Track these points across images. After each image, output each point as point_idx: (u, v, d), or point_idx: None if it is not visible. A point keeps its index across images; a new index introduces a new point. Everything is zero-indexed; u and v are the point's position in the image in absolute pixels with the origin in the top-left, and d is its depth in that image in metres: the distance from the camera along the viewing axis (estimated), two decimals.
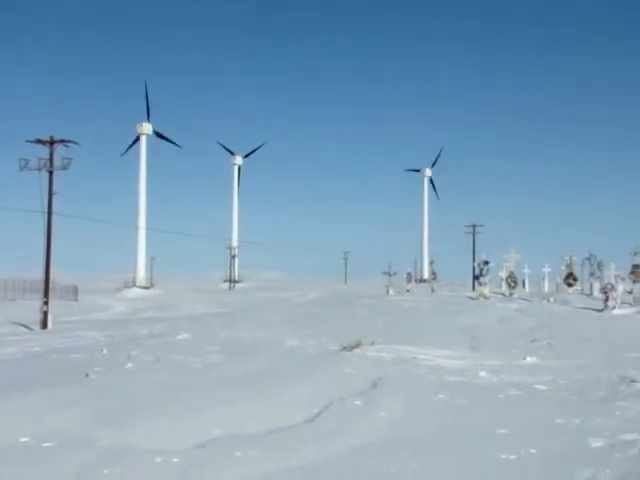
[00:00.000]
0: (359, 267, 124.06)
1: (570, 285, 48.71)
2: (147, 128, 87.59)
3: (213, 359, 14.02)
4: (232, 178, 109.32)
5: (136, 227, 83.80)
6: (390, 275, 50.70)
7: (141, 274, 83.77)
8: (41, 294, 30.58)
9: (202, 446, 7.80)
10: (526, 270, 53.82)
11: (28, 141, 31.65)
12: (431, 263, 64.80)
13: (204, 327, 22.19)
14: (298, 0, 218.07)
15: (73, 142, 31.81)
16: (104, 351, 14.63)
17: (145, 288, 77.40)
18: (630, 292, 35.96)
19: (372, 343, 16.28)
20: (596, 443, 8.08)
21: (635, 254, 35.75)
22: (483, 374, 13.24)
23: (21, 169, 31.40)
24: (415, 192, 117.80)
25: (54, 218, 31.13)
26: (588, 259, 48.18)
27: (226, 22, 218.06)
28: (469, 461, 7.43)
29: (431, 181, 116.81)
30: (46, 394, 9.79)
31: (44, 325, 28.83)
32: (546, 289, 50.81)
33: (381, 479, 6.87)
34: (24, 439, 7.68)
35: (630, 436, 8.30)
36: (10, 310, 35.89)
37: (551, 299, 38.19)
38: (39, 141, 31.36)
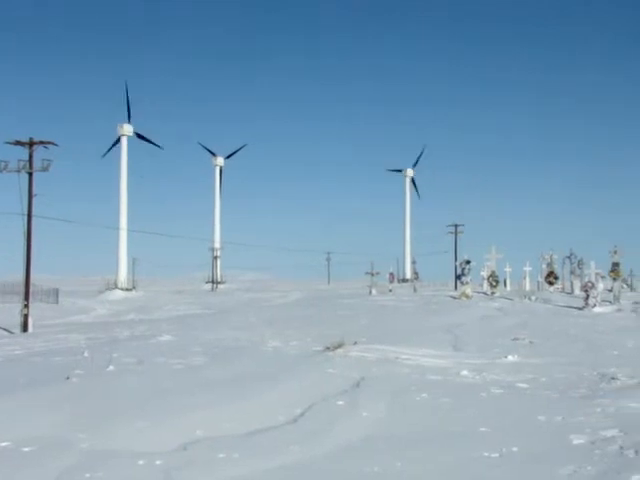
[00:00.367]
0: (342, 267, 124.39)
1: (551, 283, 48.96)
2: (128, 129, 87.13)
3: (195, 361, 13.97)
4: (214, 179, 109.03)
5: (117, 229, 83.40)
6: (373, 275, 50.79)
7: (123, 276, 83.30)
8: (21, 297, 30.34)
9: (185, 448, 7.78)
10: (507, 269, 54.11)
11: (7, 142, 31.45)
12: (413, 263, 64.83)
13: (186, 329, 22.12)
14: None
15: (53, 143, 31.64)
16: (85, 354, 14.54)
17: (127, 290, 76.95)
18: (610, 290, 36.21)
19: (355, 343, 16.29)
20: (577, 440, 8.13)
21: (615, 252, 36.01)
22: (465, 373, 13.28)
23: (0, 171, 31.18)
24: (397, 192, 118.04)
25: (34, 220, 30.94)
26: (569, 257, 48.50)
27: (207, 23, 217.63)
28: (452, 459, 7.46)
29: (413, 181, 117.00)
30: (26, 397, 9.73)
31: (25, 328, 28.61)
32: (527, 288, 51.01)
33: (364, 478, 6.87)
34: (4, 443, 7.62)
35: (610, 432, 8.37)
36: None
37: (532, 298, 38.38)
38: (18, 143, 31.18)
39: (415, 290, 50.71)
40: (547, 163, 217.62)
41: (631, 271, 54.67)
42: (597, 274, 36.18)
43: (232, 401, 10.11)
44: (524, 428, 8.88)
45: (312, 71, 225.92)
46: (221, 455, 7.47)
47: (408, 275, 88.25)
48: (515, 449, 7.79)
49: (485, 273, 46.15)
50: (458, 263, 47.70)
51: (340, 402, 10.37)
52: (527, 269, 54.00)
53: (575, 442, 8.06)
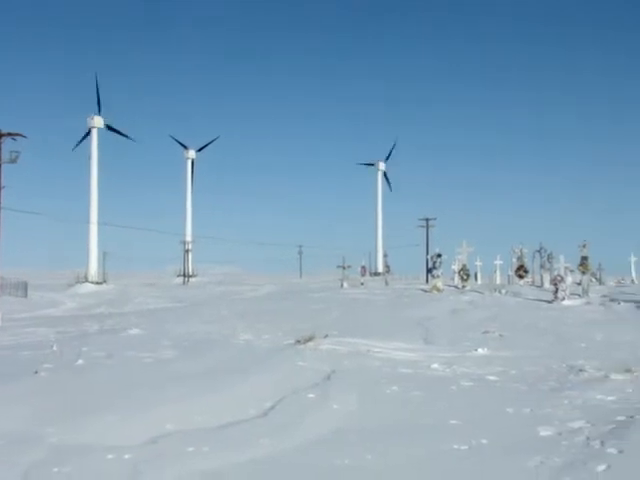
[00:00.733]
0: (314, 261, 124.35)
1: (521, 277, 49.44)
2: (98, 121, 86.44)
3: (166, 354, 13.92)
4: (185, 172, 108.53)
5: (88, 222, 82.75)
6: (344, 268, 50.85)
7: (93, 269, 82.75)
8: None
9: (154, 442, 7.74)
10: (478, 263, 54.55)
11: None
12: (385, 256, 64.99)
13: (157, 322, 22.01)
14: None
15: (21, 135, 31.36)
16: (54, 347, 14.42)
17: (97, 283, 76.41)
18: (579, 283, 36.60)
19: (326, 336, 16.32)
20: (545, 432, 8.21)
21: (583, 246, 36.38)
22: (436, 366, 13.35)
23: None
24: (369, 186, 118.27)
25: (3, 213, 30.62)
26: (538, 251, 48.96)
27: (177, 16, 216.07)
28: (422, 451, 7.50)
29: (385, 175, 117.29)
30: None
31: None
32: (498, 281, 51.51)
33: (334, 471, 6.88)
34: None
35: (577, 424, 8.46)
36: None
37: (502, 291, 38.69)
38: None
39: (387, 283, 50.89)
40: (518, 158, 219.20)
41: (600, 265, 55.37)
42: (566, 268, 36.51)
43: (202, 394, 10.07)
44: (493, 420, 8.95)
45: (284, 67, 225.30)
46: (191, 449, 7.44)
47: (380, 268, 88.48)
48: (484, 441, 7.85)
49: (456, 267, 46.45)
50: (429, 257, 47.94)
51: (311, 395, 10.38)
52: (498, 263, 54.58)
53: (543, 434, 8.14)
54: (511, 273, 52.62)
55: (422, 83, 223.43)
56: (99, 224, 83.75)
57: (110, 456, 7.10)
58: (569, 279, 35.53)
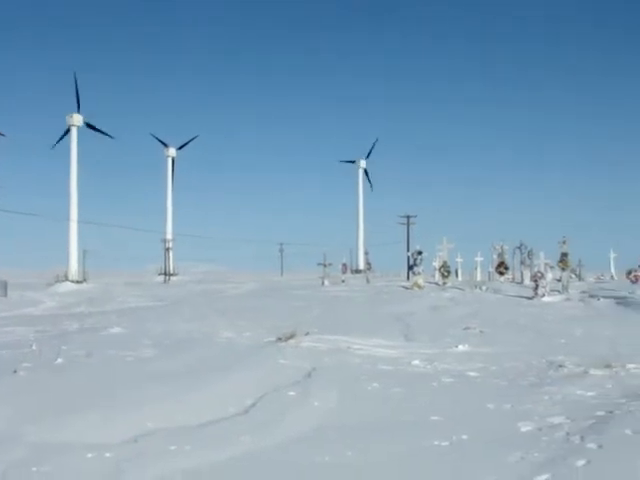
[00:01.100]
0: (296, 259, 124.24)
1: (501, 274, 49.70)
2: (78, 119, 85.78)
3: (146, 353, 13.86)
4: (166, 170, 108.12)
5: (68, 220, 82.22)
6: (325, 266, 50.85)
7: (73, 268, 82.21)
8: None
9: (135, 440, 7.70)
10: (459, 259, 54.89)
11: None
12: (366, 254, 65.09)
13: (137, 321, 21.91)
14: None
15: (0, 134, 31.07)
16: (33, 346, 14.32)
17: (78, 282, 75.91)
18: (559, 280, 36.81)
19: (307, 333, 16.31)
20: (525, 427, 8.25)
21: (563, 243, 36.59)
22: (416, 362, 13.39)
23: None
24: (350, 183, 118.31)
25: None
26: (519, 248, 49.25)
27: (159, 15, 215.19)
28: (402, 448, 7.51)
29: (366, 172, 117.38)
30: None
31: None
32: (478, 278, 51.76)
33: (315, 468, 6.88)
34: None
35: (557, 419, 8.51)
36: None
37: (483, 287, 38.86)
38: None
39: (368, 281, 50.96)
40: (498, 155, 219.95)
41: (579, 261, 55.81)
42: (546, 264, 36.76)
43: (183, 393, 10.04)
44: (474, 416, 8.98)
45: (266, 65, 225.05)
46: (172, 447, 7.42)
47: (361, 266, 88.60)
48: (465, 437, 7.87)
49: (437, 263, 46.62)
50: (410, 254, 48.05)
51: (291, 392, 10.38)
52: (478, 259, 54.85)
53: (523, 429, 8.17)
54: (492, 270, 52.94)
55: (404, 81, 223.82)
56: (79, 222, 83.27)
57: (90, 455, 7.06)
58: (549, 275, 35.74)
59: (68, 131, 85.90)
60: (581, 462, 6.64)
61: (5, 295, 49.98)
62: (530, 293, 32.44)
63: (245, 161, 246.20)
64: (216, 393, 10.20)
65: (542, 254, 37.62)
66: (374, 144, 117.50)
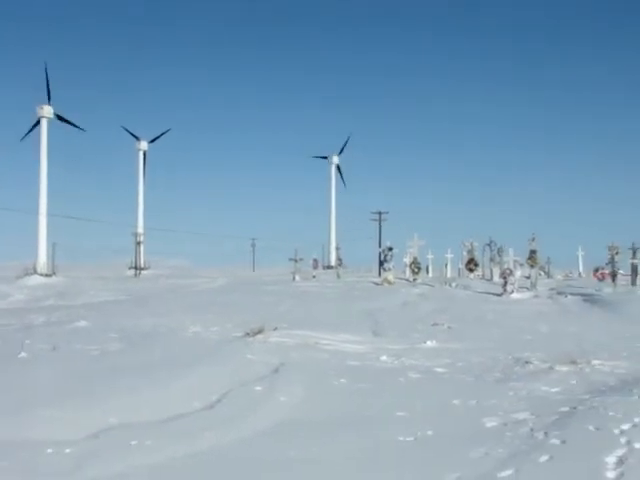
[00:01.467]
0: (267, 254, 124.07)
1: (471, 270, 49.99)
2: (48, 111, 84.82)
3: (112, 347, 13.73)
4: (137, 163, 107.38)
5: (37, 213, 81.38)
6: (296, 261, 50.72)
7: (42, 261, 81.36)
8: None
9: (96, 436, 7.61)
10: (430, 256, 54.97)
11: None
12: (337, 249, 65.13)
13: (105, 314, 21.71)
14: None
15: None
16: None
17: (46, 275, 75.07)
18: (528, 277, 37.08)
19: (275, 329, 16.24)
20: (490, 423, 8.27)
21: (532, 240, 36.82)
22: (384, 358, 13.39)
23: None
24: (322, 179, 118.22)
25: None
26: (488, 245, 49.58)
27: (128, 6, 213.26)
28: (368, 443, 7.50)
29: (338, 168, 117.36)
30: None
31: None
32: (448, 274, 51.96)
33: (279, 463, 6.84)
34: None
35: (522, 415, 8.54)
36: None
37: (453, 284, 39.05)
38: None
39: (339, 276, 51.00)
40: (467, 150, 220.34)
41: (548, 259, 56.27)
42: (515, 261, 36.96)
43: (148, 387, 9.95)
44: (440, 412, 9.00)
45: (237, 58, 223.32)
46: (134, 442, 7.33)
47: (332, 262, 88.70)
48: (430, 433, 7.88)
49: (407, 260, 46.74)
50: (381, 250, 48.14)
51: (258, 388, 10.32)
52: (449, 256, 55.09)
53: (488, 425, 8.20)
54: (461, 266, 53.21)
55: (377, 77, 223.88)
56: (49, 215, 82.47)
57: (50, 450, 6.96)
58: (518, 273, 35.96)
59: (38, 123, 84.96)
60: (544, 458, 6.66)
61: None
62: (499, 290, 32.63)
63: (217, 156, 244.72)
64: (181, 388, 10.11)
65: (511, 251, 37.84)
66: (347, 140, 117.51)
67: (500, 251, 46.07)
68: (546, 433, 7.52)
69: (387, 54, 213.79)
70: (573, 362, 12.00)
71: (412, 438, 7.66)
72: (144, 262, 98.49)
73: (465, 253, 52.03)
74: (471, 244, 51.46)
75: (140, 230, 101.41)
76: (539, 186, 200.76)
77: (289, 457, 7.02)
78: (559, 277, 54.49)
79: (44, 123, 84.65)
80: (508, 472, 6.33)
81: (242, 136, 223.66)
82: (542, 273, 49.35)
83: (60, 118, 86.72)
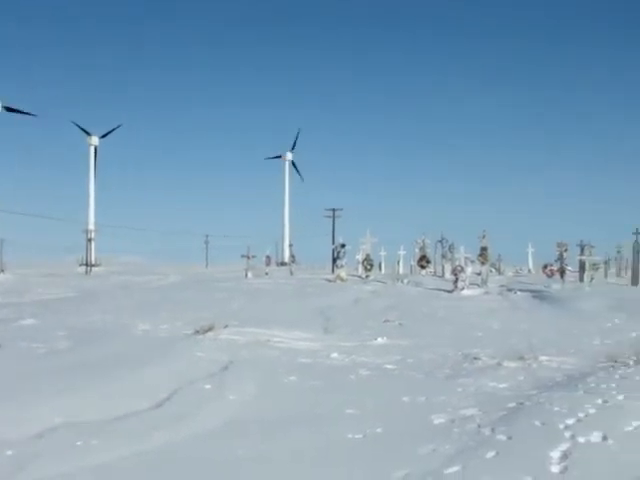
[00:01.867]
0: (221, 251, 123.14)
1: (423, 267, 50.42)
2: None
3: (59, 345, 13.52)
4: (88, 159, 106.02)
5: None
6: (249, 258, 50.57)
7: None
8: None
9: (41, 436, 7.47)
10: (382, 253, 55.35)
11: None
12: (290, 246, 65.19)
13: (53, 312, 21.36)
14: None
15: None
16: None
17: None
18: (479, 274, 37.47)
19: (226, 326, 16.15)
20: (438, 419, 8.31)
21: (483, 237, 37.21)
22: (335, 355, 13.39)
23: None
24: (277, 176, 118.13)
25: None
26: (440, 242, 50.14)
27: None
28: (318, 441, 7.49)
29: (293, 164, 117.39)
30: None
31: None
32: (401, 271, 52.27)
33: (228, 462, 6.79)
34: None
35: (470, 411, 8.60)
36: None
37: (405, 281, 39.28)
38: None
39: (291, 273, 51.03)
40: (421, 148, 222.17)
41: (499, 256, 57.08)
42: (466, 258, 37.35)
43: (95, 386, 9.81)
44: (389, 409, 9.02)
45: (189, 56, 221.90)
46: (79, 443, 7.22)
47: (286, 258, 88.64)
48: (379, 430, 7.89)
49: (360, 257, 46.91)
50: (334, 247, 48.23)
51: (207, 386, 10.24)
52: (401, 253, 55.49)
53: (436, 422, 8.24)
54: (414, 263, 53.62)
55: (327, 72, 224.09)
56: None
57: None
58: (469, 269, 36.33)
59: None
60: (491, 454, 6.71)
61: None
62: (450, 286, 32.91)
63: (171, 153, 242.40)
64: (129, 386, 10.00)
65: (462, 248, 38.23)
66: (297, 135, 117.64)
67: (451, 248, 46.58)
68: (493, 429, 7.58)
69: (340, 49, 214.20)
70: (521, 358, 12.14)
71: (361, 435, 7.66)
72: (95, 259, 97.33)
73: (417, 250, 52.46)
74: (423, 241, 51.90)
75: (91, 227, 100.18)
76: (490, 184, 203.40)
77: (238, 456, 6.97)
78: (509, 274, 55.31)
79: None
80: (455, 468, 6.36)
81: (196, 134, 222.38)
82: (493, 270, 49.96)
83: (9, 109, 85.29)
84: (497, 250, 54.13)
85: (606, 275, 46.81)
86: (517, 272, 59.50)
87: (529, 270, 60.80)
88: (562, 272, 40.03)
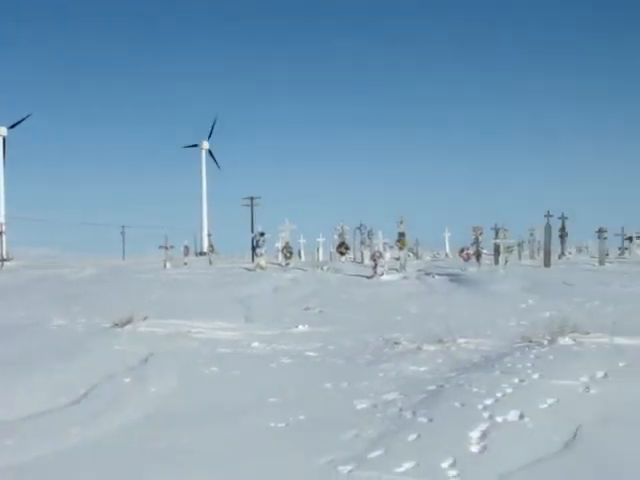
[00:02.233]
0: (138, 242, 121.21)
1: (342, 254, 50.71)
2: None
3: None
4: None
5: None
6: (167, 249, 49.92)
7: None
8: None
9: None
10: (302, 240, 55.35)
11: None
12: (209, 236, 64.61)
13: None
14: None
15: None
16: None
17: None
18: (397, 259, 37.89)
19: (145, 318, 15.90)
20: (361, 405, 8.38)
21: (401, 222, 37.59)
22: (256, 344, 13.35)
23: None
24: (194, 166, 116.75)
25: None
26: (359, 228, 50.45)
27: None
28: (240, 431, 7.45)
29: (210, 152, 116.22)
30: None
31: None
32: (320, 258, 52.51)
33: (148, 455, 6.69)
34: None
35: (391, 396, 8.70)
36: None
37: (325, 268, 39.41)
38: None
39: (211, 263, 50.58)
40: (337, 134, 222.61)
41: (417, 241, 57.90)
42: (385, 244, 37.67)
43: (9, 384, 9.56)
44: (311, 396, 9.04)
45: (102, 48, 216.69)
46: None
47: (204, 248, 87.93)
48: (302, 417, 7.90)
49: (279, 245, 46.84)
50: (253, 235, 48.06)
51: (127, 379, 10.08)
52: (320, 240, 55.68)
53: (358, 407, 8.30)
54: (333, 250, 53.88)
55: (244, 62, 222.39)
56: None
57: None
58: (387, 255, 36.69)
59: None
60: (412, 436, 6.81)
61: None
62: (369, 272, 33.19)
63: (85, 143, 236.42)
64: (46, 383, 9.77)
65: (380, 234, 38.53)
66: (214, 124, 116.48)
67: (370, 234, 46.96)
68: (414, 412, 7.69)
69: (255, 38, 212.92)
70: (440, 341, 12.32)
71: (284, 424, 7.66)
72: (7, 253, 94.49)
73: (336, 237, 52.71)
74: (342, 228, 52.18)
75: (2, 220, 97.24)
76: (406, 169, 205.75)
77: (159, 449, 6.89)
78: (427, 258, 56.15)
79: None
80: (378, 452, 6.43)
81: (112, 122, 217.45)
82: (411, 255, 50.64)
83: None
84: (415, 235, 55.08)
85: (520, 257, 47.96)
86: (435, 256, 60.46)
87: (446, 254, 61.82)
88: (478, 255, 40.87)
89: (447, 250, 63.57)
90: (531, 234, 52.00)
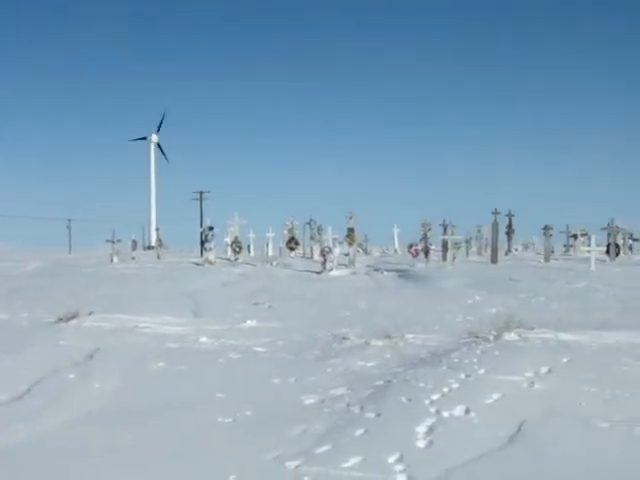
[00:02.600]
0: (84, 236, 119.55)
1: (292, 249, 50.61)
2: None
3: None
4: None
5: None
6: (114, 243, 49.28)
7: None
8: None
9: None
10: (251, 235, 55.11)
11: None
12: (157, 230, 63.93)
13: None
14: None
15: None
16: None
17: None
18: (346, 254, 37.98)
19: (91, 313, 15.68)
20: (309, 400, 8.38)
21: (350, 218, 37.66)
22: (204, 339, 13.25)
23: None
24: (142, 159, 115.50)
25: None
26: (309, 224, 50.40)
27: None
28: (187, 427, 7.39)
29: (159, 146, 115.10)
30: None
31: None
32: (270, 253, 52.34)
33: (91, 452, 6.59)
34: None
35: (339, 391, 8.71)
36: None
37: (274, 263, 39.31)
38: None
39: (159, 257, 50.07)
40: (286, 129, 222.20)
41: (366, 236, 58.07)
42: (334, 239, 37.72)
43: None
44: (259, 392, 9.01)
45: (53, 48, 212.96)
46: None
47: (153, 242, 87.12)
48: (249, 413, 7.87)
49: (228, 239, 46.60)
50: (202, 230, 47.75)
51: (71, 375, 9.92)
52: (270, 235, 55.39)
53: (306, 402, 8.29)
54: (283, 245, 53.78)
55: (194, 56, 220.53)
56: None
57: None
58: (337, 250, 36.74)
59: None
60: (360, 431, 6.84)
61: None
62: (319, 268, 33.21)
63: (31, 135, 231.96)
64: None
65: (330, 229, 38.58)
66: (163, 117, 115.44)
67: (320, 229, 46.96)
68: (362, 407, 7.71)
69: (212, 34, 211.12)
70: (388, 337, 12.38)
71: (231, 420, 7.62)
72: None
73: (286, 232, 52.60)
74: (292, 223, 52.11)
75: None
76: (356, 165, 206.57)
77: (103, 446, 6.78)
78: (376, 254, 56.34)
79: None
80: (326, 447, 6.44)
81: (57, 115, 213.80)
82: (360, 250, 50.79)
83: None
84: (364, 231, 55.10)
85: (467, 254, 48.49)
86: (384, 252, 60.71)
87: (395, 250, 62.11)
88: (426, 251, 41.15)
89: (396, 246, 63.86)
90: (479, 231, 52.52)
